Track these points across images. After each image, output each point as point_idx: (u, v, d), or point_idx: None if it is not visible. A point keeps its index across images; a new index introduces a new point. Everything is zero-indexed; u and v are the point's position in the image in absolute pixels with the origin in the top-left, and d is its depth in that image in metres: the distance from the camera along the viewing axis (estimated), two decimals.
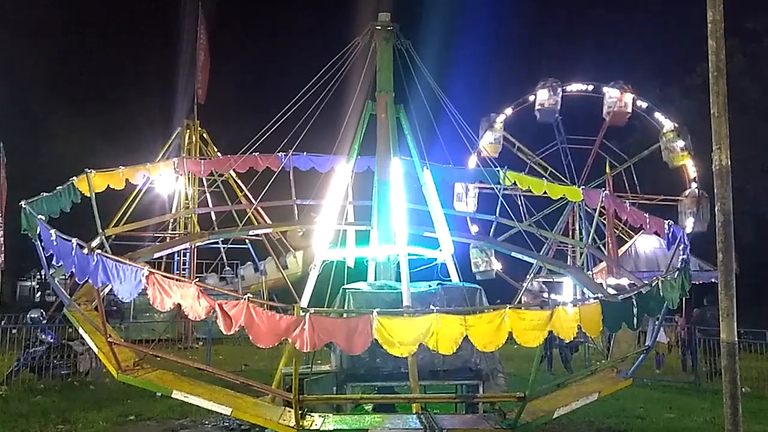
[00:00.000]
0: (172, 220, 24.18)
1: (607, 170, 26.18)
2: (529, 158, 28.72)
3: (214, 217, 22.58)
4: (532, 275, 16.40)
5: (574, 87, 28.06)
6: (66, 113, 31.92)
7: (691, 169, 27.14)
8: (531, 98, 28.04)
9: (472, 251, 25.90)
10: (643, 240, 26.28)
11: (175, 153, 24.20)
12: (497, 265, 26.63)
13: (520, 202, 14.65)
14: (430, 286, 10.05)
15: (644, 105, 27.61)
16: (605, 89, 27.65)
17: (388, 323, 6.75)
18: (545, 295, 25.40)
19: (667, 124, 27.15)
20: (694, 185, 27.08)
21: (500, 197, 13.79)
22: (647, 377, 14.73)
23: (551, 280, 26.12)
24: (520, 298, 15.08)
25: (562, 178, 27.43)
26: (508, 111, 28.30)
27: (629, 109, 27.51)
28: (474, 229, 22.38)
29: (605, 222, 24.01)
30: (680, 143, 26.87)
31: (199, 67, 25.68)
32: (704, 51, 6.07)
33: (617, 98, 27.35)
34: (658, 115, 27.52)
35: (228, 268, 25.84)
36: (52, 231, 7.87)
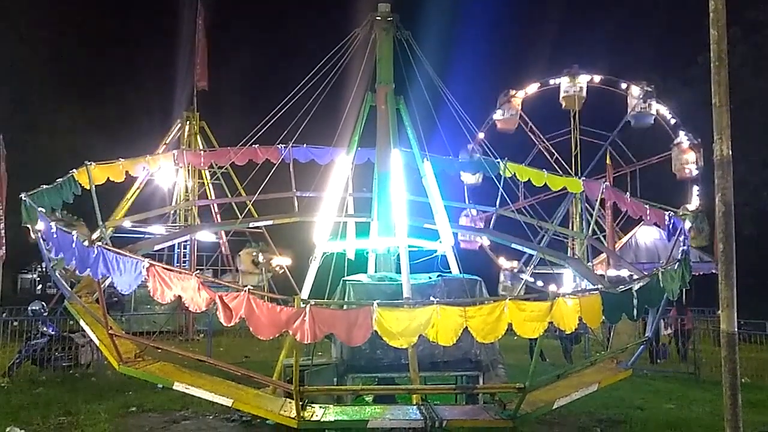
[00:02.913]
0: (172, 213, 24.20)
1: (607, 161, 26.15)
2: (606, 139, 28.56)
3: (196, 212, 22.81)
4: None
5: (661, 108, 27.68)
6: (66, 105, 31.81)
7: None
8: (623, 86, 27.85)
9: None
10: (644, 231, 26.30)
11: (174, 145, 24.19)
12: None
13: (524, 209, 14.63)
14: (430, 277, 10.06)
15: (696, 172, 27.25)
16: (681, 135, 27.35)
17: (389, 315, 6.77)
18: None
19: (694, 202, 27.08)
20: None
21: (500, 189, 13.77)
22: (647, 368, 14.78)
23: (551, 271, 26.21)
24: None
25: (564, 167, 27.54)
26: (596, 79, 28.05)
27: (695, 168, 27.27)
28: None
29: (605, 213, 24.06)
30: (687, 224, 27.04)
31: (197, 59, 25.61)
32: (706, 42, 6.03)
33: (686, 150, 27.17)
34: (696, 189, 27.40)
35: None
36: (53, 223, 7.87)
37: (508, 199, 14.02)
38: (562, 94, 27.92)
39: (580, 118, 28.39)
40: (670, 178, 27.70)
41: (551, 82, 28.32)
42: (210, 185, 23.80)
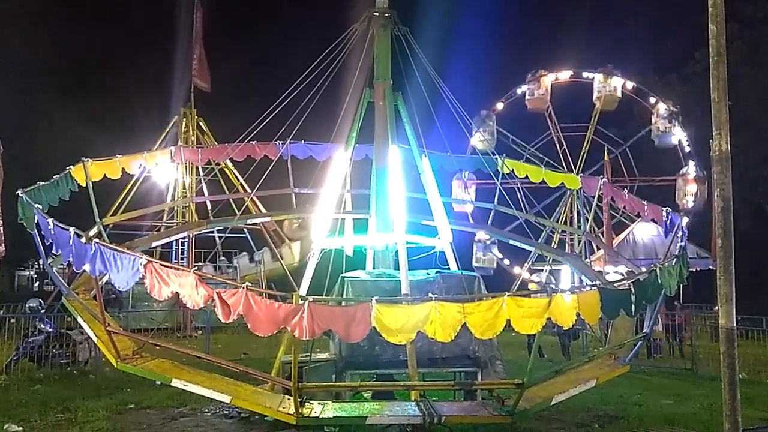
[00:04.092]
0: (169, 209, 24.15)
1: (606, 157, 26.16)
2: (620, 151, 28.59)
3: (210, 207, 22.76)
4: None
5: (680, 134, 27.49)
6: (63, 102, 31.81)
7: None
8: (652, 100, 27.80)
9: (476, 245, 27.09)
10: (641, 227, 26.31)
11: (172, 142, 24.11)
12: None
13: (517, 189, 14.61)
14: (428, 274, 10.06)
15: (692, 204, 27.35)
16: (690, 165, 27.33)
17: (387, 311, 6.77)
18: None
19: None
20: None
21: (498, 185, 13.77)
22: (644, 364, 14.81)
23: (550, 268, 26.29)
24: None
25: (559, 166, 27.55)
26: (629, 85, 27.87)
27: (692, 200, 27.31)
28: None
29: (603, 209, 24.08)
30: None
31: (194, 56, 25.52)
32: (704, 38, 6.03)
33: (689, 181, 27.25)
34: (686, 220, 27.33)
35: (223, 258, 25.77)
36: (50, 220, 7.86)
37: (506, 196, 14.00)
38: (595, 94, 27.85)
39: (596, 118, 28.34)
40: (669, 203, 27.75)
41: (584, 75, 28.27)
42: (237, 176, 23.33)
